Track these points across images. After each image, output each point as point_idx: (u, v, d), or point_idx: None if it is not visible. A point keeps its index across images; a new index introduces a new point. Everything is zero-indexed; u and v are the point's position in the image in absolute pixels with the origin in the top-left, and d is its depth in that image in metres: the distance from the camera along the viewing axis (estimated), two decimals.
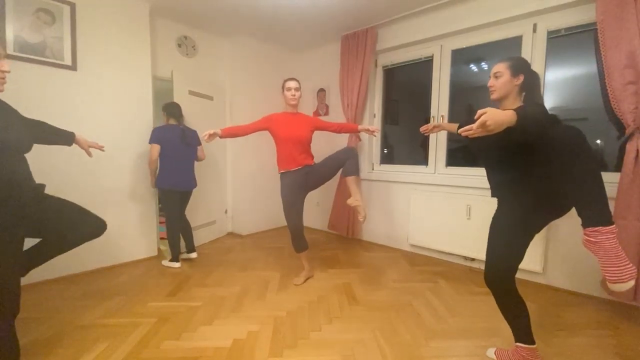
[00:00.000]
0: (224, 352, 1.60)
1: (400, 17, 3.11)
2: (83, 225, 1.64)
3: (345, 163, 2.38)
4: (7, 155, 1.32)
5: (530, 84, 1.43)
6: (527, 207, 1.36)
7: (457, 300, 2.19)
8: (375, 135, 2.64)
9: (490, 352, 1.60)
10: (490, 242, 1.45)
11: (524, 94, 1.46)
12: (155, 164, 2.69)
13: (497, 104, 1.50)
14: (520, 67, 1.42)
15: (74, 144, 1.79)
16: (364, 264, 2.93)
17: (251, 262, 2.93)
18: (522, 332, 1.44)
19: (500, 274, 1.41)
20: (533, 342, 1.43)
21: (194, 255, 2.91)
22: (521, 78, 1.42)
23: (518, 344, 1.46)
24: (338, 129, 2.59)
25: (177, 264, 2.77)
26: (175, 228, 2.79)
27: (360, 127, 2.60)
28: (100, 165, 2.65)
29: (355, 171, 2.38)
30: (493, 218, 1.47)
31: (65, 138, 1.75)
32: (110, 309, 2.03)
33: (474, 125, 1.07)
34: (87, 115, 2.58)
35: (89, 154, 1.84)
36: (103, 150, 1.92)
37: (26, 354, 1.54)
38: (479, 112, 1.07)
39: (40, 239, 1.56)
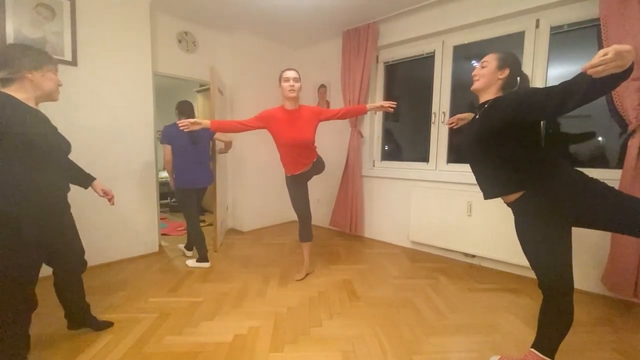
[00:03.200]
0: (225, 348, 1.62)
1: (402, 13, 3.09)
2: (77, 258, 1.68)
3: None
4: (58, 159, 1.47)
5: (515, 82, 1.37)
6: (544, 202, 1.25)
7: (457, 297, 2.20)
8: (391, 110, 2.27)
9: (494, 359, 1.53)
10: (531, 255, 1.34)
11: (506, 91, 1.38)
12: (170, 165, 2.65)
13: (477, 95, 1.44)
14: (508, 62, 1.36)
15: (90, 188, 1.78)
16: (365, 260, 2.93)
17: (252, 258, 2.94)
18: (550, 343, 1.33)
19: (556, 281, 1.28)
20: (552, 358, 1.33)
21: (206, 265, 2.73)
22: (506, 72, 1.35)
23: (534, 350, 1.35)
24: (343, 114, 2.31)
25: (207, 264, 2.70)
26: (197, 225, 2.73)
27: (369, 106, 2.33)
28: (101, 161, 2.65)
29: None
30: (517, 229, 1.38)
31: (84, 180, 1.75)
32: (112, 304, 2.05)
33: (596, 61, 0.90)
34: (87, 110, 2.58)
35: (109, 199, 1.81)
36: (111, 203, 1.82)
37: (30, 348, 1.56)
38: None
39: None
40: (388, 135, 3.68)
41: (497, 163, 1.34)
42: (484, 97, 1.40)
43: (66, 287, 1.65)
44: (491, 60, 1.38)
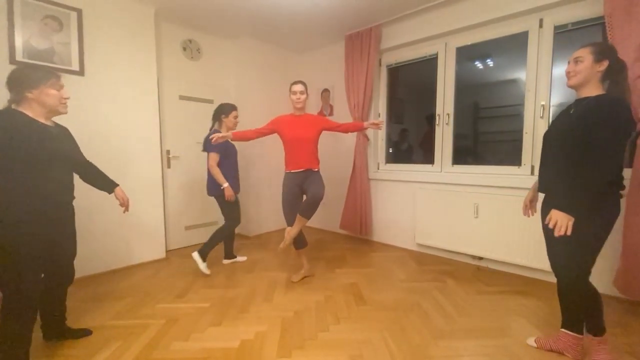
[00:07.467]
0: (233, 353, 1.61)
1: (404, 15, 3.10)
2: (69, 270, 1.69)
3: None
4: (55, 166, 1.49)
5: (616, 72, 1.35)
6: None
7: (465, 300, 2.17)
8: (380, 128, 2.66)
9: (531, 340, 1.66)
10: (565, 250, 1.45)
11: (607, 82, 1.38)
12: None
13: (575, 92, 1.45)
14: (605, 53, 1.34)
15: (112, 194, 1.85)
16: (371, 263, 2.92)
17: (258, 263, 2.94)
18: (576, 321, 1.51)
19: (579, 282, 1.44)
20: (581, 332, 1.50)
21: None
22: (605, 64, 1.33)
23: (565, 330, 1.53)
24: (345, 129, 2.58)
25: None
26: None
27: (366, 124, 2.55)
28: (108, 168, 2.67)
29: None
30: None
31: (108, 185, 1.85)
32: (120, 310, 2.06)
33: None
34: (95, 119, 2.62)
35: (124, 208, 1.85)
36: (126, 210, 1.89)
37: (37, 355, 1.57)
38: None
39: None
40: (392, 138, 3.68)
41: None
42: (584, 93, 1.40)
43: (51, 298, 1.64)
44: (586, 54, 1.36)
